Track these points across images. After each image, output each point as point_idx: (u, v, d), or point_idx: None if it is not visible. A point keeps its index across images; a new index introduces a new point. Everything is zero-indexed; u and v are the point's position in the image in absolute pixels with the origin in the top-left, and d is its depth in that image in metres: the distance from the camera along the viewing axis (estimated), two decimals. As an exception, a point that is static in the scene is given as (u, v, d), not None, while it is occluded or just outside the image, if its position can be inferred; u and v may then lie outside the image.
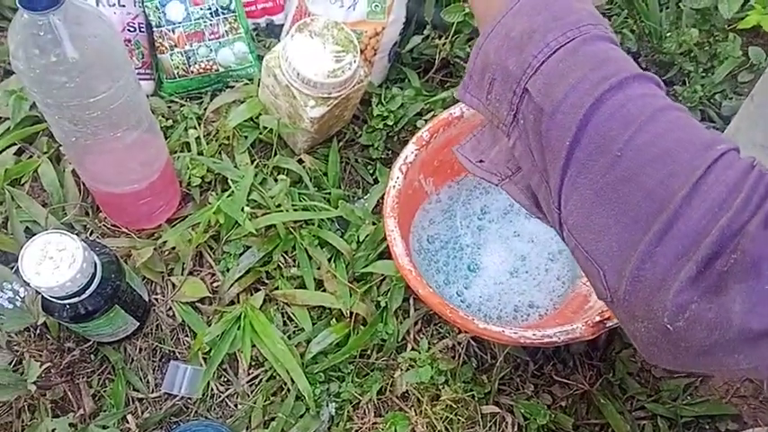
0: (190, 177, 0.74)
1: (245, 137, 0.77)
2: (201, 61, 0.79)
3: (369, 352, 0.71)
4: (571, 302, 0.70)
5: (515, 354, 0.71)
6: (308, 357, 0.69)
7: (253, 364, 0.70)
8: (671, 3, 0.89)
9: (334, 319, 0.71)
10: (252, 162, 0.76)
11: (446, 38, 0.79)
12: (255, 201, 0.73)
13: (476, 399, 0.68)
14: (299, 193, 0.75)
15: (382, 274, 0.72)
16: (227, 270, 0.72)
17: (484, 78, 0.45)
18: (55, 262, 0.56)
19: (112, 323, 0.64)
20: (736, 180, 0.34)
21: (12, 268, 0.61)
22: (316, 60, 0.68)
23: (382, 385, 0.69)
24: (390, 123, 0.78)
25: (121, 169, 0.66)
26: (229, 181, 0.74)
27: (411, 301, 0.72)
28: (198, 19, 0.78)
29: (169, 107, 0.80)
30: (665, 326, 0.35)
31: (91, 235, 0.73)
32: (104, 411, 0.67)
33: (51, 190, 0.74)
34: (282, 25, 0.84)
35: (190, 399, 0.68)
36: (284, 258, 0.73)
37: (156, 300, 0.71)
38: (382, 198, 0.71)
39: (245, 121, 0.76)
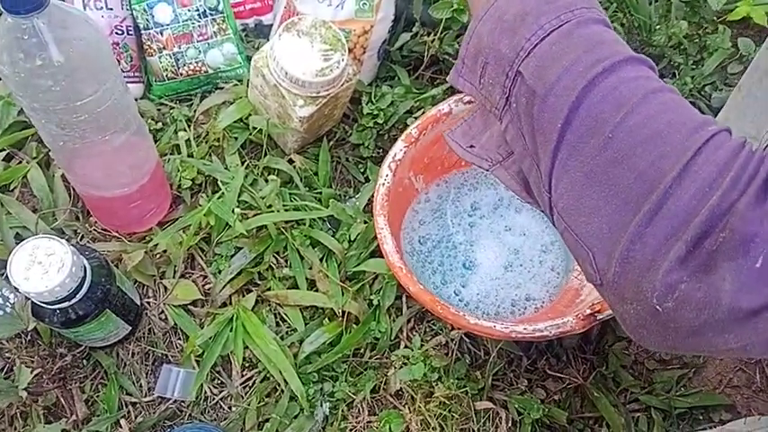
0: (180, 180, 0.74)
1: (235, 138, 0.77)
2: (190, 63, 0.79)
3: (362, 351, 0.71)
4: (563, 296, 0.70)
5: (508, 349, 0.71)
6: (302, 357, 0.69)
7: (246, 365, 0.69)
8: (660, -5, 0.89)
9: (326, 319, 0.71)
10: (242, 163, 0.76)
11: (435, 35, 0.79)
12: (246, 202, 0.73)
13: (469, 395, 0.68)
14: (290, 194, 0.75)
15: (374, 273, 0.72)
16: (219, 272, 0.72)
17: (477, 62, 0.45)
18: (44, 267, 0.55)
19: (104, 327, 0.63)
20: (726, 160, 0.34)
21: (1, 274, 0.61)
22: (304, 59, 0.68)
23: (376, 384, 0.69)
24: (381, 122, 0.78)
25: (111, 173, 0.66)
26: (219, 182, 0.74)
27: (404, 298, 0.72)
28: (186, 20, 0.78)
29: (159, 110, 0.80)
30: (655, 307, 0.35)
31: (82, 240, 0.73)
32: (97, 416, 0.66)
33: (41, 195, 0.73)
34: (271, 25, 0.84)
35: (183, 402, 0.68)
36: (276, 259, 0.73)
37: (148, 303, 0.71)
38: (373, 196, 0.71)
39: (235, 122, 0.76)
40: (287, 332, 0.71)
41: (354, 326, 0.71)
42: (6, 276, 0.55)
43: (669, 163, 0.35)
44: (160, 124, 0.78)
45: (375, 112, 0.77)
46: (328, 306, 0.70)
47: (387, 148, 0.79)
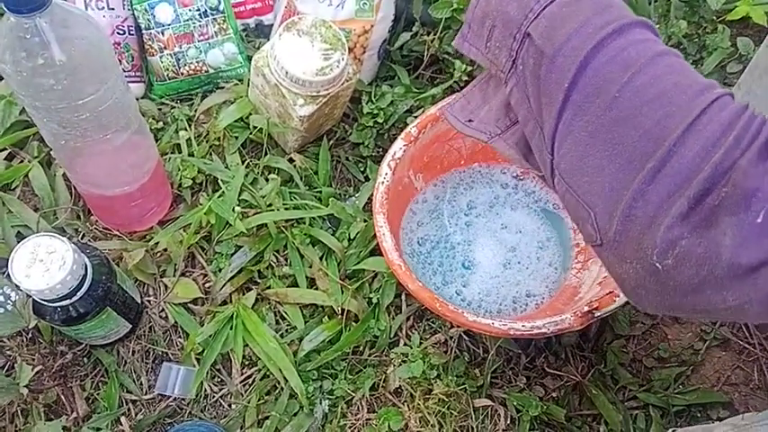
0: (181, 179, 0.75)
1: (236, 137, 0.77)
2: (191, 63, 0.79)
3: (361, 348, 0.71)
4: (562, 294, 0.71)
5: (507, 347, 0.71)
6: (301, 355, 0.69)
7: (246, 363, 0.70)
8: (659, -5, 0.89)
9: (326, 317, 0.71)
10: (242, 162, 0.76)
11: (435, 34, 0.80)
12: (246, 200, 0.73)
13: (468, 392, 0.69)
14: (290, 192, 0.76)
15: (374, 271, 0.72)
16: (219, 270, 0.72)
17: (483, 26, 0.45)
18: (45, 265, 0.56)
19: (104, 325, 0.64)
20: (729, 120, 0.35)
21: (2, 273, 0.61)
22: (304, 59, 0.69)
23: (375, 381, 0.69)
24: (380, 121, 0.78)
25: (112, 171, 0.66)
26: (220, 181, 0.74)
27: (403, 296, 0.72)
28: (187, 20, 0.78)
29: (160, 109, 0.80)
30: (654, 264, 0.35)
31: (83, 238, 0.73)
32: (98, 414, 0.67)
33: (42, 194, 0.74)
34: (272, 25, 0.85)
35: (183, 399, 0.68)
36: (276, 257, 0.73)
37: (149, 301, 0.72)
38: (373, 195, 0.72)
39: (236, 121, 0.76)
40: (287, 330, 0.71)
41: (354, 324, 0.71)
42: (8, 274, 0.56)
43: (674, 122, 0.35)
44: (161, 123, 0.79)
45: (375, 112, 0.78)
46: (328, 304, 0.71)
47: (386, 148, 0.79)
